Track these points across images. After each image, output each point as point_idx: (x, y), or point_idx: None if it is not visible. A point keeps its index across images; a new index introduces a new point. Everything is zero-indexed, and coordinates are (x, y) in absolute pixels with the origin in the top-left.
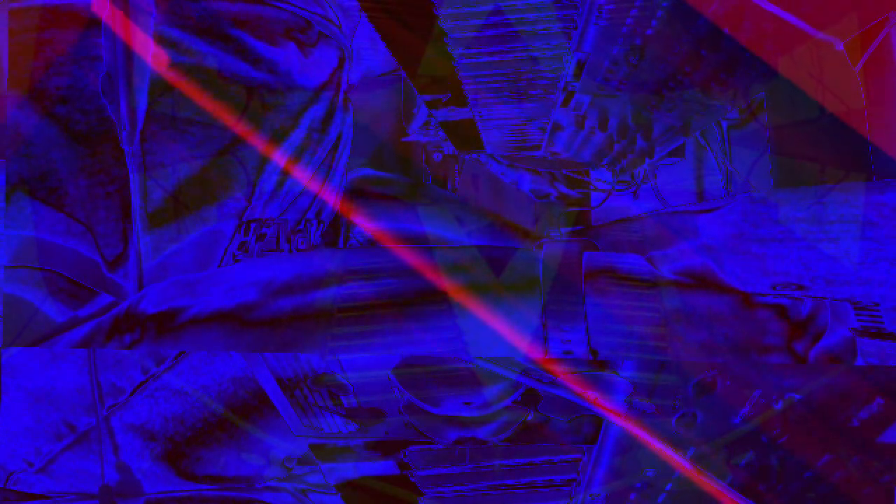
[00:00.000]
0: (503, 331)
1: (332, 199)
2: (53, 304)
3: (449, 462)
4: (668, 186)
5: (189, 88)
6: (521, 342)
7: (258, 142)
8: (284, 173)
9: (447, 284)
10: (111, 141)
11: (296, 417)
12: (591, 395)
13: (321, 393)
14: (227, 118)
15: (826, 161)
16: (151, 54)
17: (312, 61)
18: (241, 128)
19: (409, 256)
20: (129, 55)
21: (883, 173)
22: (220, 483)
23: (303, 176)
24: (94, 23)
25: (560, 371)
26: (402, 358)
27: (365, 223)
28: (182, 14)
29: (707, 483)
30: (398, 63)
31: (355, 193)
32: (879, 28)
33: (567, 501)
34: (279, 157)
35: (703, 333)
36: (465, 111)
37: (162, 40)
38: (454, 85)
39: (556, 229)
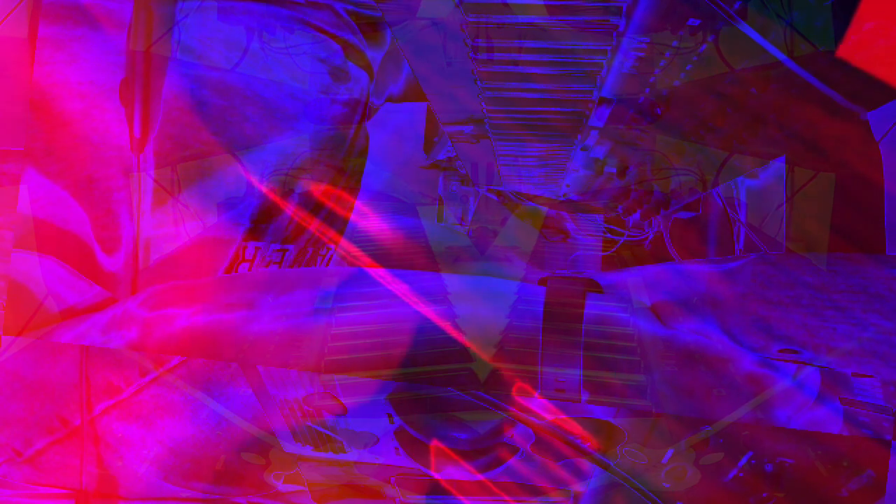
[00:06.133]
0: (499, 363)
1: (339, 226)
2: (51, 292)
3: (436, 493)
4: (680, 239)
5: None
6: (515, 376)
7: (271, 157)
8: (294, 190)
9: (450, 313)
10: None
11: (288, 434)
12: (584, 441)
13: (315, 412)
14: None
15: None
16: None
17: (343, 78)
18: (256, 142)
19: (415, 280)
20: (149, 63)
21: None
22: (206, 492)
23: (312, 195)
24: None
25: (555, 411)
26: (398, 384)
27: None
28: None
29: None
30: (425, 92)
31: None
32: None
33: None
34: (290, 175)
35: (694, 390)
36: (485, 144)
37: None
38: (477, 118)
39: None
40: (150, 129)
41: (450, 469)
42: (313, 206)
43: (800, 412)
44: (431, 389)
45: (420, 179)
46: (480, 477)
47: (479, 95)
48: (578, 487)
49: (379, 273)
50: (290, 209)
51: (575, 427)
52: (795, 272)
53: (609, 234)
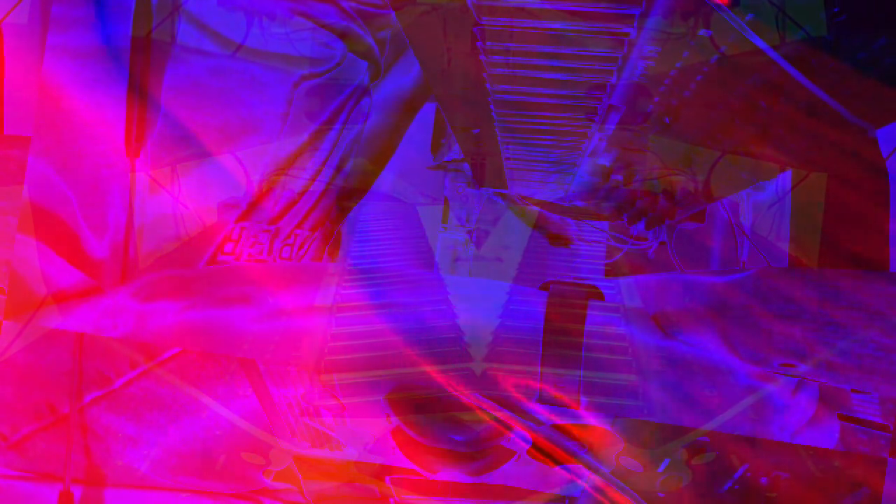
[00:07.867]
0: (497, 365)
1: (328, 213)
2: (45, 275)
3: (430, 493)
4: (683, 249)
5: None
6: (514, 378)
7: (266, 145)
8: (285, 183)
9: (449, 314)
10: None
11: (285, 430)
12: (581, 446)
13: (313, 410)
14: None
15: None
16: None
17: (343, 69)
18: (247, 132)
19: (414, 280)
20: (149, 45)
21: None
22: (191, 485)
23: (302, 186)
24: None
25: (553, 416)
26: (396, 384)
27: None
28: None
29: None
30: (434, 92)
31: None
32: None
33: None
34: (283, 165)
35: (691, 400)
36: (493, 147)
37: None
38: (486, 121)
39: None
40: (150, 123)
41: (446, 470)
42: (308, 196)
43: (797, 427)
44: (429, 390)
45: (423, 180)
46: (476, 479)
47: (489, 98)
48: (574, 492)
49: (378, 273)
50: (284, 198)
51: (572, 432)
52: (798, 286)
53: (613, 242)
